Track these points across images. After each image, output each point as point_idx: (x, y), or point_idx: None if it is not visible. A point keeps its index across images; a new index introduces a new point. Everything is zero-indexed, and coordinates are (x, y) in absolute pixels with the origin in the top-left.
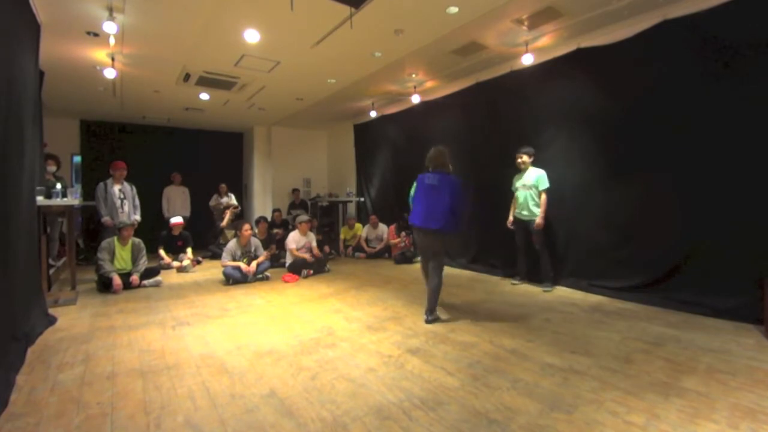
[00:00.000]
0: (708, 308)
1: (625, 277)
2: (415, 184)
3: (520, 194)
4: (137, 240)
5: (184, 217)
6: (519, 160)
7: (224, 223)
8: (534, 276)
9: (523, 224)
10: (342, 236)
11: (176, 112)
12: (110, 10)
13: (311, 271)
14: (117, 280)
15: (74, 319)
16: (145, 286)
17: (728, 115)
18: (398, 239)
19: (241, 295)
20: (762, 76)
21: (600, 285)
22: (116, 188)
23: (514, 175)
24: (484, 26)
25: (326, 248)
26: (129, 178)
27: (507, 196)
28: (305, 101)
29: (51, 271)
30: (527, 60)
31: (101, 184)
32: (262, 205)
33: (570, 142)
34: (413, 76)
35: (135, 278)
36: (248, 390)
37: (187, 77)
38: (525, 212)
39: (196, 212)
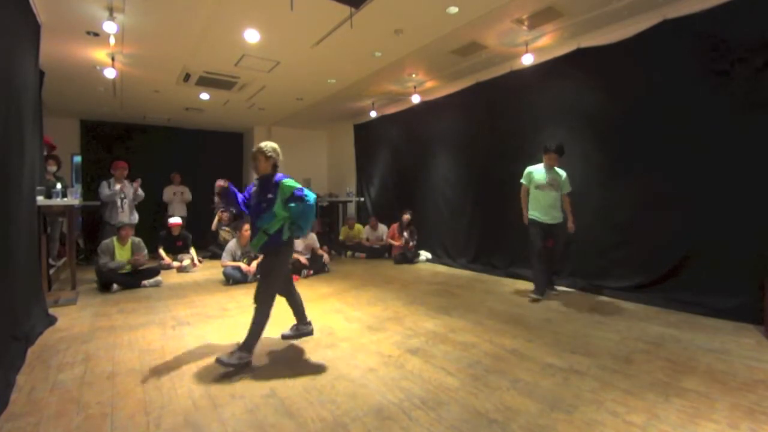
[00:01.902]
0: (708, 308)
1: (625, 277)
2: (292, 189)
3: (551, 195)
4: (137, 239)
5: (182, 217)
6: (554, 158)
7: (213, 226)
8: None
9: (546, 228)
10: (342, 236)
11: (176, 112)
12: (110, 10)
13: (311, 271)
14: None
15: (74, 319)
16: (145, 286)
17: (728, 115)
18: (401, 240)
19: (241, 295)
20: (762, 76)
21: (600, 285)
22: (117, 187)
23: (527, 167)
24: (484, 26)
25: (325, 248)
26: (129, 179)
27: (507, 196)
28: (305, 101)
29: (51, 271)
30: (527, 60)
31: (104, 182)
32: None
33: (570, 141)
34: (413, 76)
35: (142, 260)
36: (248, 390)
37: (187, 77)
38: (555, 213)
39: (196, 212)
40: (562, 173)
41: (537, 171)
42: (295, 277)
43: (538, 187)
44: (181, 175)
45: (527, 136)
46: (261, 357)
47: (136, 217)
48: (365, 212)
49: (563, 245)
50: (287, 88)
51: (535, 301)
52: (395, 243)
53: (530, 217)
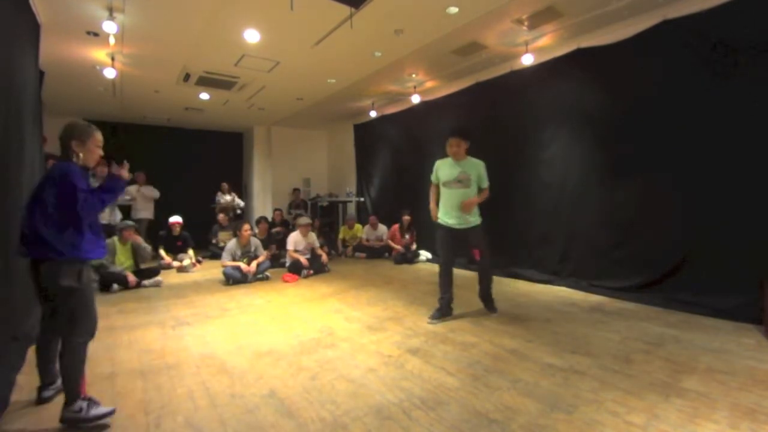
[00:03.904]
0: (708, 308)
1: (625, 277)
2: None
3: (459, 193)
4: (138, 239)
5: (150, 220)
6: (453, 148)
7: (213, 238)
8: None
9: (457, 235)
10: (341, 236)
11: (176, 112)
12: (110, 10)
13: (311, 271)
14: (132, 277)
15: None
16: (145, 286)
17: (728, 115)
18: (402, 242)
19: (241, 295)
20: (762, 76)
21: (600, 285)
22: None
23: (437, 163)
24: (484, 26)
25: (325, 248)
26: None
27: (507, 196)
28: (305, 101)
29: None
30: (527, 60)
31: None
32: (262, 205)
33: (570, 141)
34: (413, 76)
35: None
36: (248, 390)
37: (187, 77)
38: (467, 217)
39: (195, 212)
40: (476, 164)
41: (444, 165)
42: (295, 276)
43: (445, 184)
44: (146, 175)
45: (527, 136)
46: (261, 357)
47: (117, 217)
48: (365, 212)
49: (486, 256)
50: (287, 88)
51: (432, 323)
52: (395, 246)
53: (438, 220)
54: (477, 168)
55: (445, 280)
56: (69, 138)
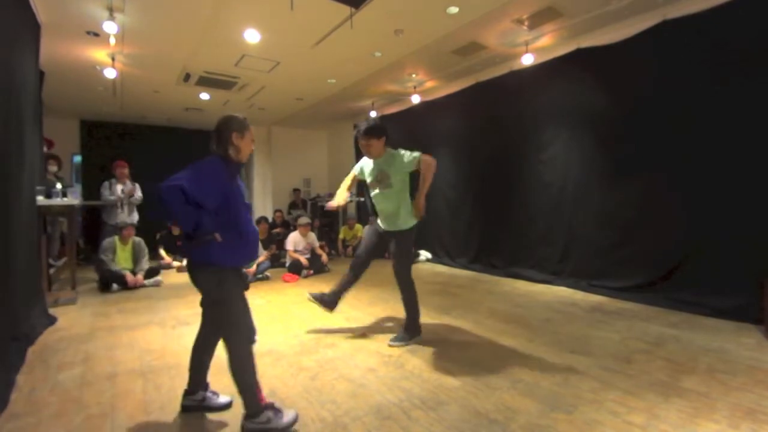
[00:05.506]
0: (708, 308)
1: (625, 277)
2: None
3: (376, 197)
4: (138, 239)
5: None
6: (363, 148)
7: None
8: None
9: (381, 234)
10: (341, 236)
11: (176, 112)
12: (110, 10)
13: (311, 271)
14: (131, 276)
15: (74, 319)
16: (145, 286)
17: (728, 115)
18: None
19: None
20: (762, 77)
21: (600, 285)
22: (119, 187)
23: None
24: (484, 26)
25: (325, 248)
26: (131, 178)
27: (507, 196)
28: (305, 101)
29: (51, 271)
30: (527, 60)
31: (106, 183)
32: (262, 205)
33: (570, 142)
34: (413, 76)
35: (140, 278)
36: None
37: (187, 77)
38: (383, 221)
39: None
40: (393, 157)
41: (367, 162)
42: (295, 276)
43: (370, 185)
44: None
45: (527, 136)
46: (261, 357)
47: (135, 217)
48: (365, 212)
49: (400, 269)
50: (287, 88)
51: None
52: None
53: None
54: (394, 161)
55: (348, 276)
56: (229, 129)
